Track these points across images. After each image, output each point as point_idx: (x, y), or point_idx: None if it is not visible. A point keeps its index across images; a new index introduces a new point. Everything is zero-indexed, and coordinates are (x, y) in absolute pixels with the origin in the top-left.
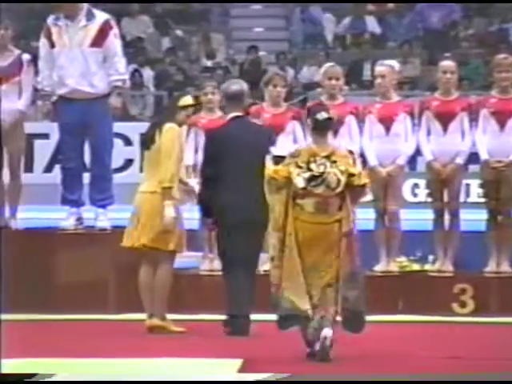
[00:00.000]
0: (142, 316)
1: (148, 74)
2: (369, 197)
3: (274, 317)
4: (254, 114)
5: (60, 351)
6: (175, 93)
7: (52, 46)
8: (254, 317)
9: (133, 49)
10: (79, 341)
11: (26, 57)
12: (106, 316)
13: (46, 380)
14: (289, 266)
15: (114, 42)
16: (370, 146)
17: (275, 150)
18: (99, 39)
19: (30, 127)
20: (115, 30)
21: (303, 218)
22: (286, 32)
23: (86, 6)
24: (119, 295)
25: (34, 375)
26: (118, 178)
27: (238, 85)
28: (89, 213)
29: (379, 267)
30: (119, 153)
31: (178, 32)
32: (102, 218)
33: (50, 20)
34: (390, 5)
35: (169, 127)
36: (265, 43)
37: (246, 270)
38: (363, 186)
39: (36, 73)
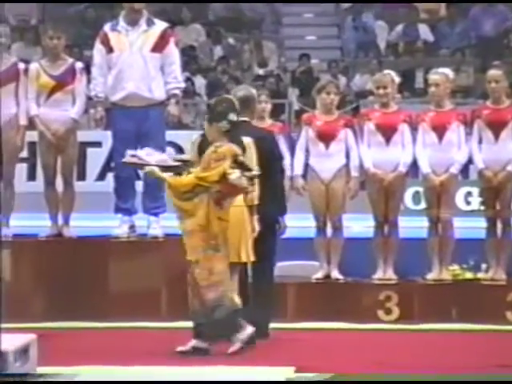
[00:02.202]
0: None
1: (200, 82)
2: (422, 204)
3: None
4: (305, 121)
5: (113, 359)
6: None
7: (110, 51)
8: (303, 325)
9: (185, 57)
10: (132, 349)
11: (79, 65)
12: (158, 324)
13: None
14: (222, 266)
15: (174, 49)
16: (423, 154)
17: (150, 158)
18: (160, 45)
19: (82, 135)
20: (175, 39)
21: (224, 217)
22: (338, 40)
23: (145, 13)
24: (172, 303)
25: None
26: None
27: (246, 90)
28: (141, 221)
29: (432, 275)
30: None
31: (230, 40)
32: (155, 226)
33: (108, 26)
34: (443, 12)
35: (249, 142)
36: (317, 51)
37: (254, 276)
38: None
39: (89, 81)
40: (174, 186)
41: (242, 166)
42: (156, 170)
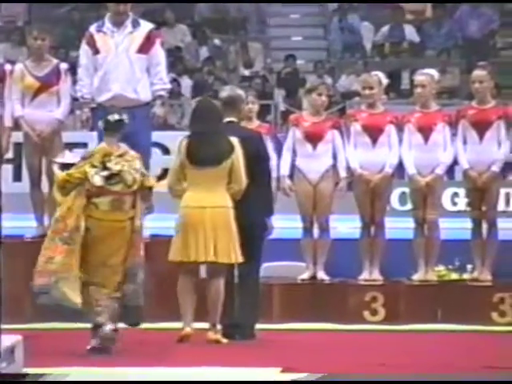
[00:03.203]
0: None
1: (186, 83)
2: (408, 205)
3: (302, 326)
4: (293, 121)
5: (102, 360)
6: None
7: (95, 52)
8: (289, 326)
9: (171, 58)
10: (121, 349)
11: (63, 66)
12: (149, 325)
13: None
14: (69, 259)
15: (160, 50)
16: (408, 155)
17: (61, 159)
18: (145, 46)
19: (67, 136)
20: (161, 40)
21: (97, 215)
22: (324, 41)
23: (131, 14)
24: (160, 303)
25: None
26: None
27: (232, 91)
28: None
29: (418, 276)
30: (157, 162)
31: (216, 41)
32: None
33: (94, 27)
34: (429, 13)
35: (237, 141)
36: (303, 52)
37: (241, 277)
38: (151, 187)
39: (74, 82)
40: (56, 181)
41: (103, 166)
42: (55, 166)
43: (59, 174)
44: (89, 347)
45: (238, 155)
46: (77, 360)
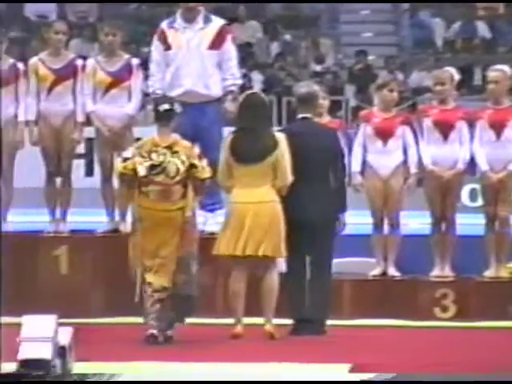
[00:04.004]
0: (248, 320)
1: (257, 78)
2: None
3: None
4: (363, 117)
5: (169, 354)
6: (285, 98)
7: (167, 48)
8: (360, 322)
9: (242, 54)
10: (186, 344)
11: (135, 61)
12: (212, 320)
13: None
14: (132, 252)
15: (231, 46)
16: (481, 152)
17: (125, 153)
18: (217, 42)
19: (138, 131)
20: (232, 35)
21: (147, 205)
22: (395, 37)
23: (203, 10)
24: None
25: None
26: None
27: (308, 87)
28: (198, 217)
29: (489, 273)
30: None
31: (287, 37)
32: (211, 222)
33: (165, 23)
34: (501, 10)
35: (282, 136)
36: (374, 48)
37: (312, 272)
38: (204, 179)
39: (146, 77)
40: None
41: (150, 156)
42: (118, 160)
43: (118, 168)
44: (147, 335)
45: (283, 151)
46: (144, 353)
